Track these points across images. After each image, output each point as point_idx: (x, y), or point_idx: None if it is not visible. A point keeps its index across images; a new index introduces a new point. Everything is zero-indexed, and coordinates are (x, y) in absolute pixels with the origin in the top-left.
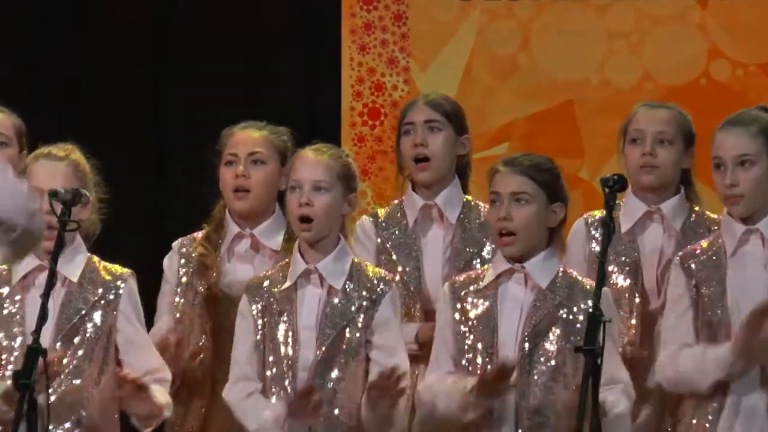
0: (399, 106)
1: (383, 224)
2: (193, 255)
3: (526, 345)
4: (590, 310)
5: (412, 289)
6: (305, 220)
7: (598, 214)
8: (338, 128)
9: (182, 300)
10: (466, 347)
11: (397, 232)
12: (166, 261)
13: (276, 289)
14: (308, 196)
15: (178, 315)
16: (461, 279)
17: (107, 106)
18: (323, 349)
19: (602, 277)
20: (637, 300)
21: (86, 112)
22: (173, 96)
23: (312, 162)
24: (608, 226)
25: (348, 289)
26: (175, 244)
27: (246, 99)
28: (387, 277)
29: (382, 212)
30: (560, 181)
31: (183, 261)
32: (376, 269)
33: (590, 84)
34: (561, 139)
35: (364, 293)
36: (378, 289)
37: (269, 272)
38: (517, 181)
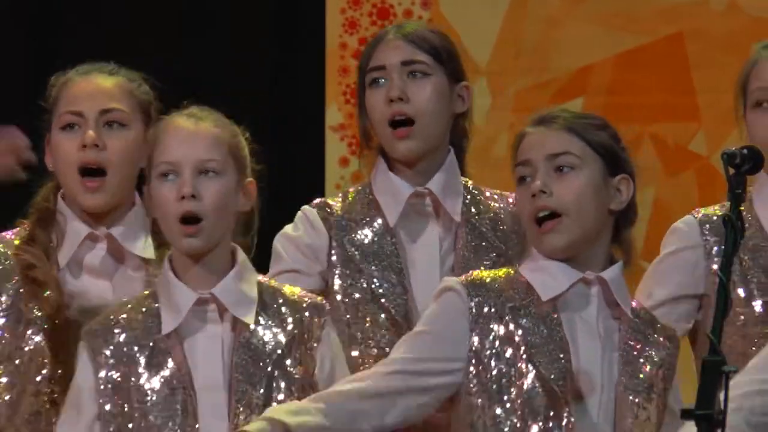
0: None
1: (342, 223)
2: (10, 265)
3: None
4: (707, 356)
5: (398, 320)
6: (191, 220)
7: (719, 211)
8: (320, 75)
9: (2, 338)
10: (507, 375)
11: (368, 236)
12: None
13: (140, 334)
14: (192, 184)
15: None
16: (490, 277)
17: None
18: (240, 414)
19: (725, 304)
20: None
21: None
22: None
23: (191, 133)
24: (734, 226)
25: (263, 325)
26: None
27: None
28: (317, 302)
29: (336, 203)
30: (621, 145)
31: None
32: (296, 289)
33: (710, 9)
34: (664, 92)
35: (288, 327)
36: (310, 321)
37: (120, 310)
38: (555, 139)
